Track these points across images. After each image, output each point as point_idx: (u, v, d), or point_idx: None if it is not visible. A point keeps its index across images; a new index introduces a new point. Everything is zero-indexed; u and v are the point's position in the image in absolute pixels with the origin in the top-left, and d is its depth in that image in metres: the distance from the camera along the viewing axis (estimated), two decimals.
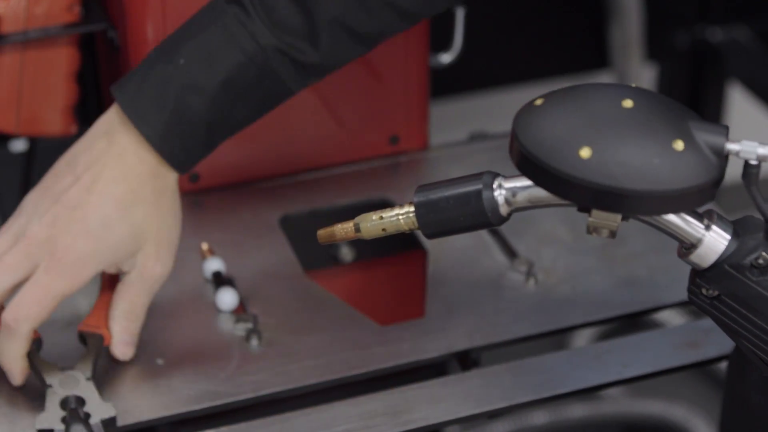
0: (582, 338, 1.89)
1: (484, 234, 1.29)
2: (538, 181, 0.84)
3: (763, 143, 0.84)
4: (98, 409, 1.06)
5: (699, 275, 0.88)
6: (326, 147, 1.37)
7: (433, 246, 1.27)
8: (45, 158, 1.50)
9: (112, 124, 1.08)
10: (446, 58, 1.42)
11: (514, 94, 1.98)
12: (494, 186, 0.86)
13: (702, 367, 1.17)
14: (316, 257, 1.29)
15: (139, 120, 1.05)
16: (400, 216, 0.88)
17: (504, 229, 1.29)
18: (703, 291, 0.89)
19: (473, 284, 1.23)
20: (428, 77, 1.39)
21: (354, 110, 1.37)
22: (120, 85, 1.07)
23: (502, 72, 2.03)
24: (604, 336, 1.87)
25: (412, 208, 0.87)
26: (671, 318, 1.82)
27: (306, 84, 1.07)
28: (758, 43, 1.92)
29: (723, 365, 1.15)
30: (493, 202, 0.86)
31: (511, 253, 1.26)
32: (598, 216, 0.84)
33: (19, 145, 1.55)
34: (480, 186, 0.86)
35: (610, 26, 2.06)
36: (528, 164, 0.84)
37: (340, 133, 1.37)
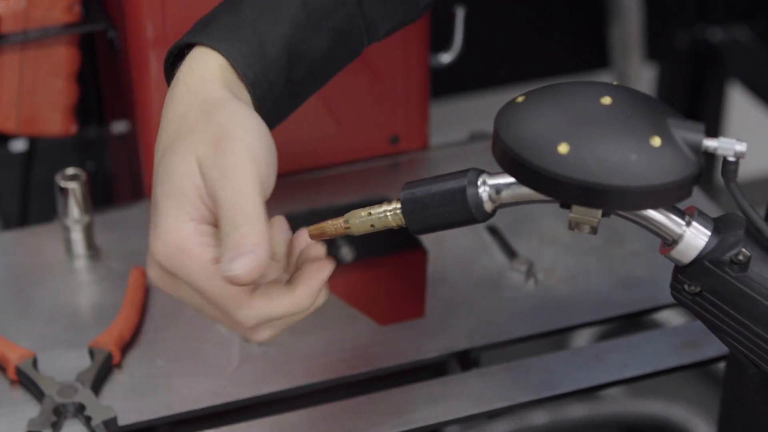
0: (582, 338, 1.89)
1: (484, 234, 1.29)
2: (519, 178, 0.85)
3: (740, 140, 0.85)
4: (98, 412, 1.07)
5: (680, 271, 0.89)
6: (326, 147, 1.37)
7: (433, 246, 1.27)
8: (45, 158, 1.51)
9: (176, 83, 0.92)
10: (446, 58, 1.42)
11: (514, 94, 1.98)
12: (478, 183, 0.87)
13: (702, 367, 1.18)
14: None
15: (213, 41, 0.91)
16: (388, 212, 0.88)
17: (504, 228, 1.29)
18: (685, 287, 0.89)
19: (473, 284, 1.23)
20: (428, 77, 1.39)
21: (354, 110, 1.37)
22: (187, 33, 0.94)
23: (502, 72, 2.03)
24: (604, 336, 1.87)
25: (400, 205, 0.88)
26: (671, 318, 1.82)
27: (372, 29, 1.00)
28: (758, 43, 1.92)
29: (722, 365, 1.15)
30: (478, 198, 0.87)
31: (511, 253, 1.26)
32: (578, 211, 0.85)
33: (19, 145, 1.55)
34: (464, 183, 0.87)
35: (610, 26, 2.06)
36: (509, 161, 0.84)
37: (340, 133, 1.37)
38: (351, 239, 1.34)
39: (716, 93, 2.00)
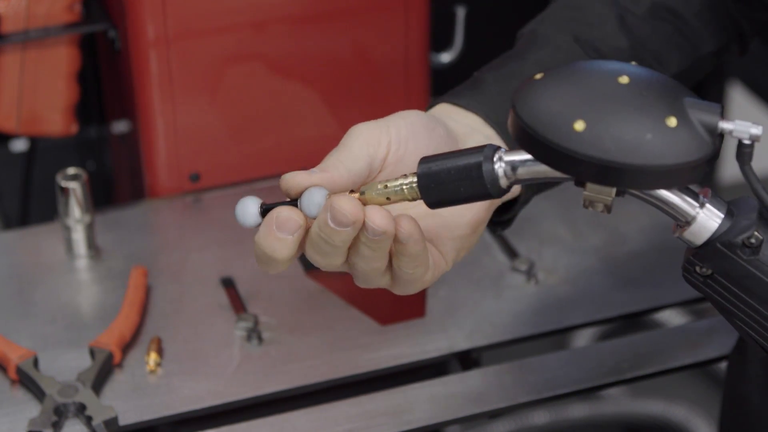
0: (582, 338, 1.89)
1: (485, 234, 1.29)
2: (535, 154, 0.85)
3: (755, 123, 0.85)
4: (99, 411, 1.07)
5: (692, 253, 0.89)
6: (326, 147, 1.37)
7: None
8: (46, 158, 1.51)
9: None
10: (446, 57, 1.42)
11: None
12: (494, 159, 0.87)
13: (702, 367, 1.18)
14: None
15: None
16: (404, 185, 0.88)
17: None
18: (697, 269, 0.89)
19: (474, 284, 1.23)
20: (428, 77, 1.39)
21: (354, 110, 1.37)
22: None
23: None
24: (605, 336, 1.87)
25: (416, 178, 0.88)
26: (671, 318, 1.82)
27: None
28: (759, 43, 1.92)
29: (723, 365, 1.15)
30: (493, 174, 0.87)
31: (511, 253, 1.26)
32: (592, 189, 0.85)
33: (19, 145, 1.55)
34: (480, 158, 0.87)
35: None
36: (525, 137, 0.85)
37: (341, 133, 1.37)
38: None
39: (716, 93, 2.00)
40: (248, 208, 0.89)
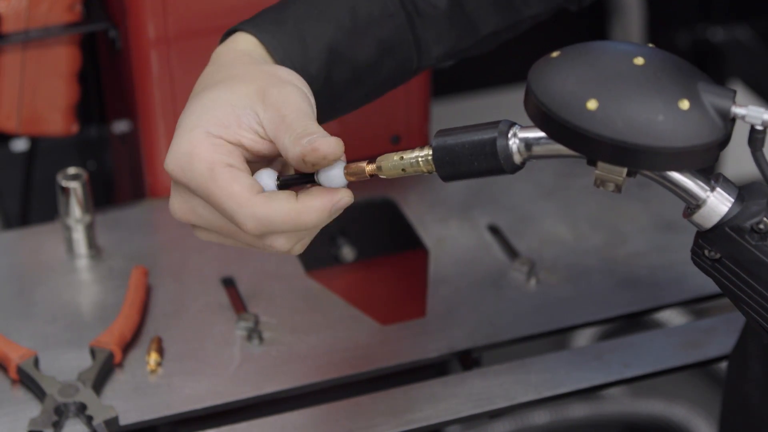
0: (583, 338, 1.89)
1: (485, 233, 1.29)
2: (548, 131, 0.85)
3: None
4: (100, 411, 1.07)
5: (701, 236, 0.89)
6: None
7: (434, 245, 1.27)
8: (46, 157, 1.51)
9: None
10: None
11: (514, 94, 1.98)
12: (509, 135, 0.87)
13: (703, 367, 1.18)
14: (317, 257, 1.29)
15: (256, 30, 0.96)
16: (420, 158, 0.89)
17: (505, 228, 1.29)
18: (706, 252, 0.89)
19: (474, 284, 1.23)
20: (428, 77, 1.39)
21: (355, 110, 1.37)
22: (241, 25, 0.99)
23: (502, 72, 2.03)
24: (605, 336, 1.87)
25: (432, 151, 0.89)
26: (672, 318, 1.82)
27: (424, 48, 1.03)
28: (759, 42, 1.92)
29: (723, 365, 1.15)
30: (507, 150, 0.87)
31: (512, 252, 1.26)
32: (603, 168, 0.86)
33: (20, 145, 1.55)
34: (495, 134, 0.87)
35: (612, 25, 2.06)
36: (538, 114, 0.85)
37: (342, 134, 1.36)
38: (352, 239, 1.34)
39: None
40: (264, 180, 0.89)
